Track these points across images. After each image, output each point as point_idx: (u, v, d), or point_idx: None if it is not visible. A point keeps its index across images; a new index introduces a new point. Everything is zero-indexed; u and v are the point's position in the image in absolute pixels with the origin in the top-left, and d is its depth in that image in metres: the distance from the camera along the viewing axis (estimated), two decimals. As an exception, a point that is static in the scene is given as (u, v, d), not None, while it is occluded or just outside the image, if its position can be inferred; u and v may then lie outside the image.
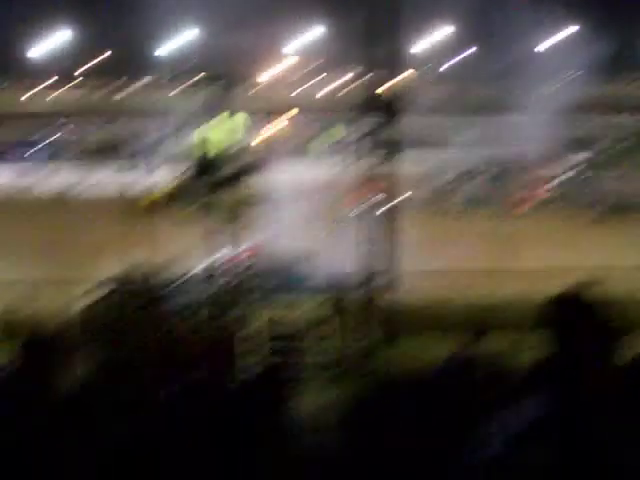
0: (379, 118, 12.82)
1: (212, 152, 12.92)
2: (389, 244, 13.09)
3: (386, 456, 6.30)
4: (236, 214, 13.55)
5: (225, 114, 13.10)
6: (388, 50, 12.90)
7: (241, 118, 13.40)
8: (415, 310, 14.05)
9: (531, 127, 18.92)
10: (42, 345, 5.40)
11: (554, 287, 3.60)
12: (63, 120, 46.52)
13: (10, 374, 5.33)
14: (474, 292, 14.68)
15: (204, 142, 13.14)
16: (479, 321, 13.00)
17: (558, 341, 3.14)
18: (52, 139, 37.83)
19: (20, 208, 23.36)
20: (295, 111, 47.10)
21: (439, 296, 14.24)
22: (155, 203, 14.06)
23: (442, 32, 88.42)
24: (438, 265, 15.57)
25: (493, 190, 25.35)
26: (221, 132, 12.97)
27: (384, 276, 12.92)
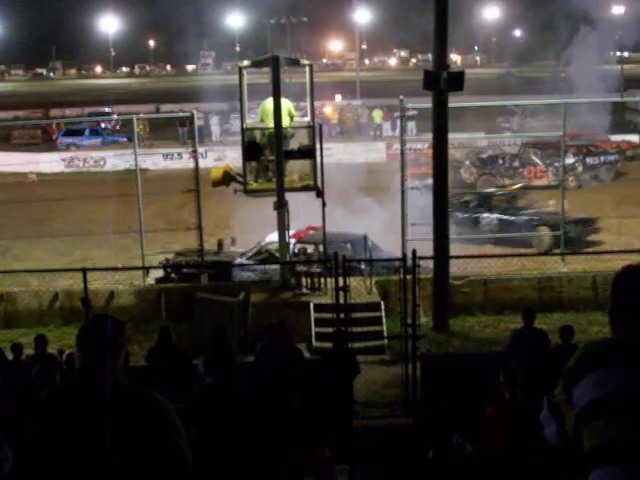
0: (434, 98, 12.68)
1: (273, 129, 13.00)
2: (438, 223, 13.00)
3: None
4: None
5: (270, 99, 13.18)
6: (436, 33, 12.74)
7: (286, 103, 13.49)
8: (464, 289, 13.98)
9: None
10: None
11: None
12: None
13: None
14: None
15: (268, 116, 13.29)
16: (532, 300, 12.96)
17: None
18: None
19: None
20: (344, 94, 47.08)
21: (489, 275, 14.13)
22: (222, 178, 14.14)
23: (490, 13, 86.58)
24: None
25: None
26: (284, 110, 13.13)
27: (434, 255, 12.83)
